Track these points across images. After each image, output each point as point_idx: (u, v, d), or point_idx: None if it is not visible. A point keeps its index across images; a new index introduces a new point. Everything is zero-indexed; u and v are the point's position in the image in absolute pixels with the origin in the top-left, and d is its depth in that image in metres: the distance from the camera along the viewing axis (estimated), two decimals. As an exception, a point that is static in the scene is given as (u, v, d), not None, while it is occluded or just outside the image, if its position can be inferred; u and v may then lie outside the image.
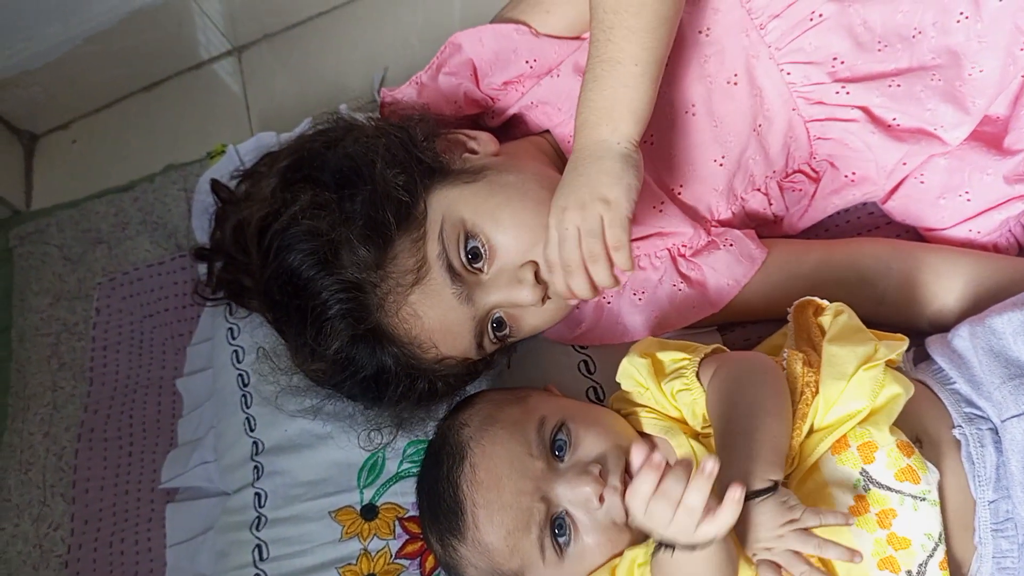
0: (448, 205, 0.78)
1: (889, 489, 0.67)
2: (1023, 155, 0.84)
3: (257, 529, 0.91)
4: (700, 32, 0.85)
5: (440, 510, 0.73)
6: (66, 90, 1.36)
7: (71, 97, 1.38)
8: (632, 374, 0.78)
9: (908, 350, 0.77)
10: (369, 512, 0.89)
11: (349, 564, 0.87)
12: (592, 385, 0.90)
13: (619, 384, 0.81)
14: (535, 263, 0.77)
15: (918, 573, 0.66)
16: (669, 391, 0.76)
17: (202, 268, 1.02)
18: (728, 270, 0.86)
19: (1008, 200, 0.86)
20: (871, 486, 0.67)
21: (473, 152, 0.84)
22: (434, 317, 0.76)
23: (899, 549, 0.66)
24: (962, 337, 0.73)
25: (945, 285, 0.83)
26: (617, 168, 0.73)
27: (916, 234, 0.93)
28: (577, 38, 0.90)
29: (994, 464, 0.68)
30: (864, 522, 0.66)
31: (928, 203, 0.90)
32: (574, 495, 0.69)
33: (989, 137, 0.87)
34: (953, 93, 0.83)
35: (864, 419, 0.69)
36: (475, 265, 0.77)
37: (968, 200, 0.87)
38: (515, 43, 0.88)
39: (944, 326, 0.80)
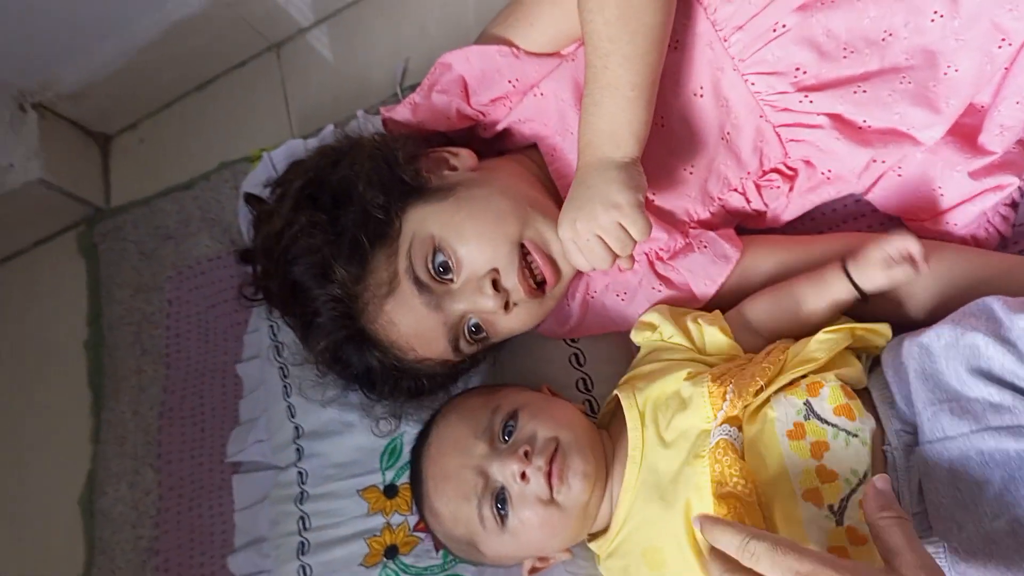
0: (420, 222, 0.86)
1: (826, 422, 0.74)
2: (993, 158, 0.85)
3: (301, 503, 1.06)
4: (669, 45, 0.88)
5: (412, 483, 0.89)
6: (130, 95, 1.49)
7: (135, 100, 1.51)
8: (651, 319, 0.90)
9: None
10: (390, 491, 1.02)
11: (375, 535, 1.00)
12: (582, 376, 0.98)
13: (609, 370, 0.93)
14: (495, 272, 0.85)
15: (839, 508, 0.71)
16: (683, 324, 0.88)
17: (250, 269, 1.15)
18: (704, 271, 0.91)
19: (979, 193, 0.87)
20: (811, 416, 0.74)
21: (453, 168, 0.91)
22: (408, 324, 0.86)
23: (825, 482, 0.72)
24: (906, 350, 0.76)
25: (918, 282, 0.85)
26: (623, 176, 0.80)
27: (900, 223, 0.95)
28: (557, 54, 0.94)
29: (917, 483, 0.72)
30: (798, 447, 0.74)
31: (907, 195, 0.92)
32: (502, 471, 0.80)
33: (967, 130, 0.88)
34: (924, 95, 0.84)
35: (818, 370, 0.77)
36: (445, 276, 0.85)
37: (942, 194, 0.88)
38: (498, 64, 0.94)
39: (923, 322, 0.81)
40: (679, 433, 0.79)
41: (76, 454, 1.35)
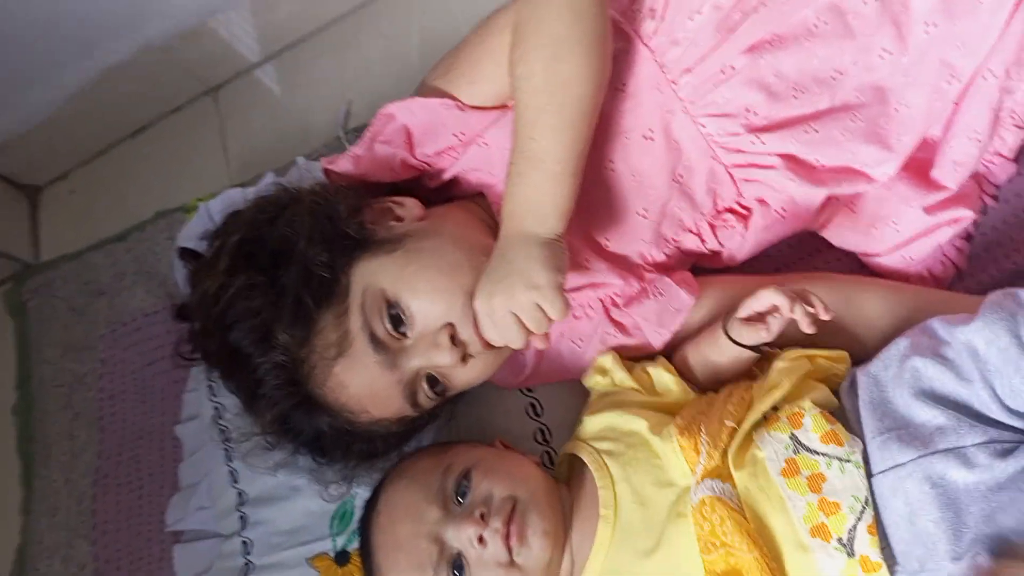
0: (369, 277, 0.81)
1: (816, 453, 0.71)
2: (947, 192, 0.84)
3: (246, 575, 0.99)
4: (616, 88, 0.86)
5: (362, 554, 0.84)
6: (59, 144, 1.43)
7: (65, 150, 1.45)
8: (604, 363, 0.89)
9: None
10: (342, 557, 0.96)
11: (326, 607, 0.95)
12: (540, 427, 0.95)
13: (568, 419, 0.90)
14: (451, 325, 0.80)
15: (847, 539, 0.69)
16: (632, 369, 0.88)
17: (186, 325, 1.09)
18: (658, 319, 0.88)
19: (934, 228, 0.86)
20: (800, 449, 0.72)
21: (399, 219, 0.87)
22: (360, 385, 0.81)
23: (830, 515, 0.70)
24: (858, 381, 0.75)
25: (870, 321, 0.84)
26: (545, 254, 0.76)
27: (855, 258, 0.94)
28: (503, 107, 0.91)
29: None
30: (796, 484, 0.71)
31: (861, 231, 0.91)
32: (458, 536, 0.76)
33: (920, 164, 0.87)
34: (876, 132, 0.83)
35: (788, 398, 0.76)
36: (399, 330, 0.81)
37: (897, 230, 0.87)
38: (442, 117, 0.90)
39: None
40: (656, 491, 0.76)
41: (5, 527, 1.26)
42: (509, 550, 0.76)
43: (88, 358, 1.30)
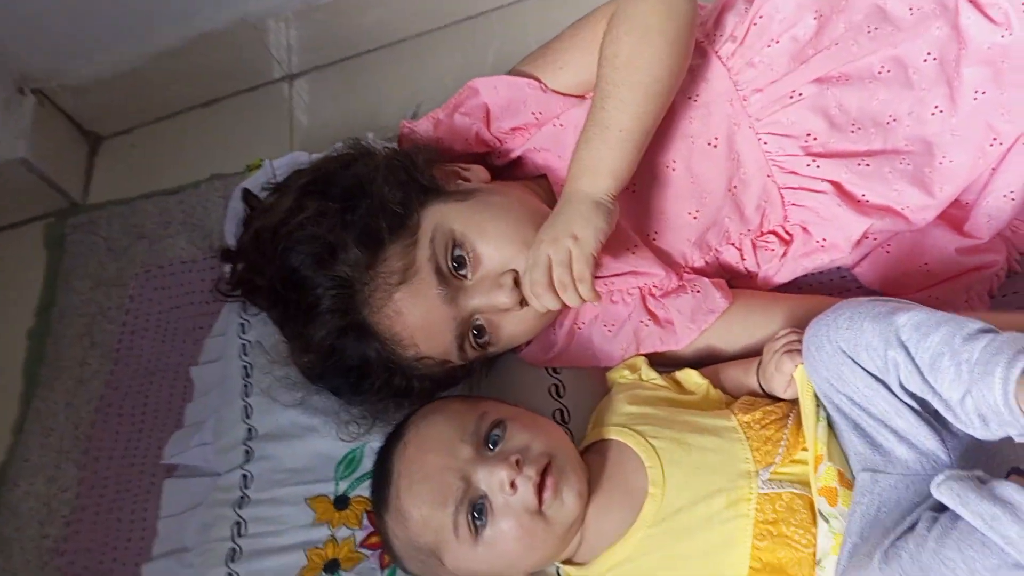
0: (440, 217, 0.86)
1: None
2: (978, 241, 0.90)
3: (239, 507, 0.99)
4: (689, 98, 0.93)
5: (377, 483, 0.82)
6: (133, 100, 1.50)
7: (137, 106, 1.52)
8: (634, 362, 0.92)
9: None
10: (341, 502, 0.96)
11: (316, 547, 0.93)
12: (560, 407, 0.96)
13: (588, 405, 0.92)
14: (514, 271, 0.85)
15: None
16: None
17: (227, 267, 1.12)
18: (692, 314, 0.92)
19: (965, 272, 0.91)
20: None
21: (466, 180, 0.93)
22: (416, 315, 0.84)
23: None
24: None
25: None
26: (590, 212, 0.82)
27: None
28: (582, 96, 0.99)
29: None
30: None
31: (893, 270, 0.95)
32: (490, 478, 0.75)
33: (953, 219, 0.93)
34: (921, 178, 0.89)
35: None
36: (460, 272, 0.85)
37: (927, 270, 0.93)
38: (525, 95, 0.97)
39: None
40: (705, 475, 0.78)
41: (-10, 442, 1.25)
42: (540, 500, 0.76)
43: (117, 294, 1.32)
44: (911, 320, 0.66)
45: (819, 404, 0.77)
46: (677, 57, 0.86)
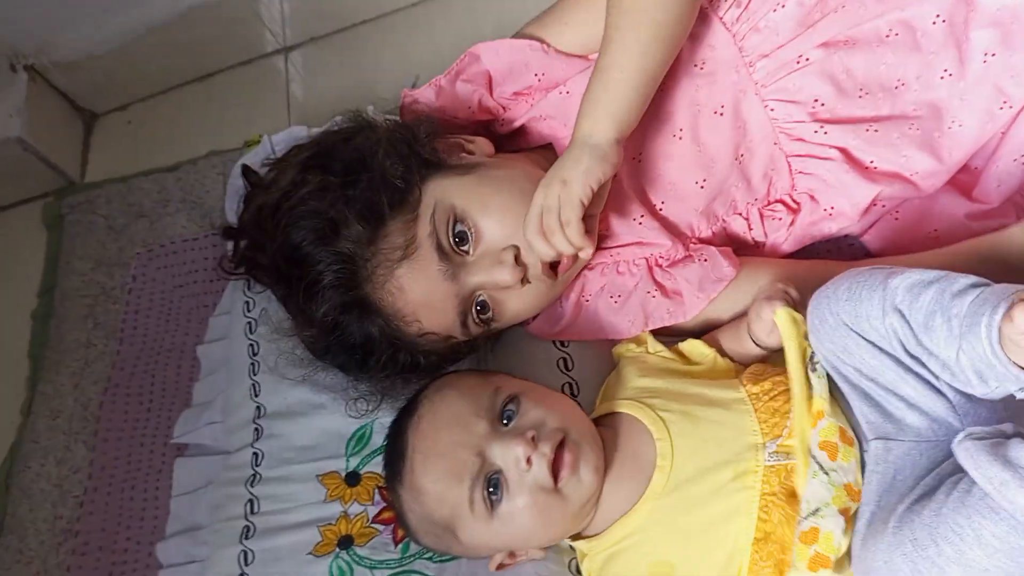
0: (441, 192, 0.85)
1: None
2: (988, 207, 0.89)
3: (251, 485, 0.99)
4: (695, 65, 0.92)
5: (390, 457, 0.82)
6: (127, 75, 1.48)
7: (131, 82, 1.50)
8: (641, 336, 0.92)
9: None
10: (352, 479, 0.96)
11: (329, 524, 0.94)
12: (568, 381, 0.96)
13: (597, 379, 0.93)
14: (516, 247, 0.84)
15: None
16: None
17: (229, 245, 1.11)
18: (699, 283, 0.91)
19: (976, 235, 0.91)
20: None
21: (470, 153, 0.92)
22: (418, 292, 0.83)
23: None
24: None
25: None
26: (581, 155, 0.82)
27: (889, 268, 0.98)
28: (585, 57, 0.97)
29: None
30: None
31: (902, 237, 0.95)
32: (505, 454, 0.75)
33: (962, 184, 0.93)
34: (930, 143, 0.88)
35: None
36: (461, 248, 0.84)
37: (936, 237, 0.92)
38: (527, 57, 0.96)
39: None
40: (713, 447, 0.77)
41: (1, 427, 1.25)
42: (555, 477, 0.76)
43: (118, 274, 1.31)
44: (904, 282, 0.65)
45: (812, 357, 0.77)
46: (684, 5, 0.84)
